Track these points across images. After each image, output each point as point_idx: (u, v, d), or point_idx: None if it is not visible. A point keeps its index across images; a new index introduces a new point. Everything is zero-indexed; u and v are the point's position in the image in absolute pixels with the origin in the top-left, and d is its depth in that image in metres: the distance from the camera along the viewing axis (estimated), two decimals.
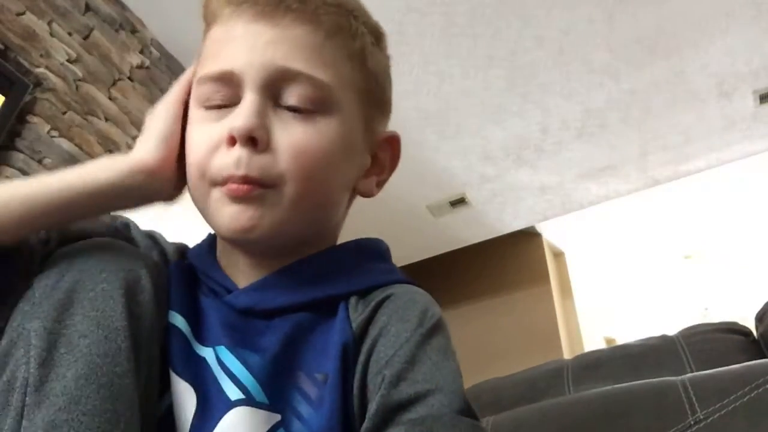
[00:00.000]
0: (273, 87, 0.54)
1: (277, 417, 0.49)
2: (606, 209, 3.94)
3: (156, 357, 0.50)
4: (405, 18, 2.52)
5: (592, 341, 4.52)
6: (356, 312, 0.54)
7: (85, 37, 2.35)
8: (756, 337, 0.95)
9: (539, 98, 2.95)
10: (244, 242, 0.56)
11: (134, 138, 2.46)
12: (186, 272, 0.59)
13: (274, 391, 0.50)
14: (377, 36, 0.63)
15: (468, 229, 3.94)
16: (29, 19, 2.12)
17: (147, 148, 0.54)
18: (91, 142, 2.27)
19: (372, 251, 0.63)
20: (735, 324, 0.99)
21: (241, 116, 0.52)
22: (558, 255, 4.53)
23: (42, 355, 0.42)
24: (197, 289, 0.59)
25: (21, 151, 2.00)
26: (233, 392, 0.49)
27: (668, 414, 0.71)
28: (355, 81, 0.59)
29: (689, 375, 0.77)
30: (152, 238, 0.64)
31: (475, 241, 4.08)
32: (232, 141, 0.53)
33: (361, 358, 0.51)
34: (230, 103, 0.55)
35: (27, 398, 0.41)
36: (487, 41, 2.66)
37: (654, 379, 0.79)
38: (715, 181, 3.81)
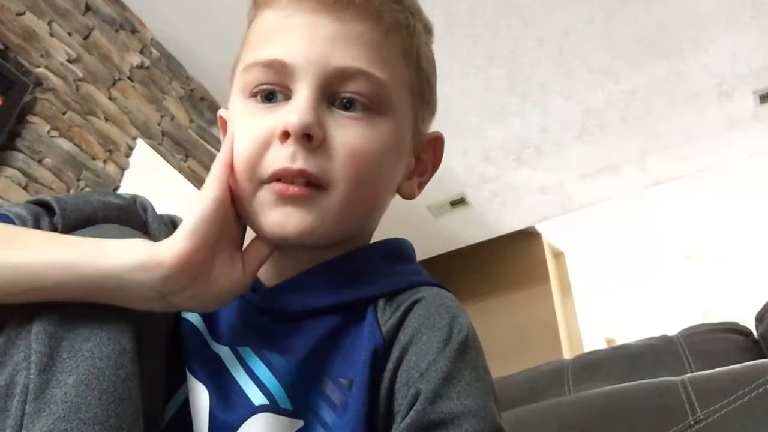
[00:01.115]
0: (329, 85, 0.52)
1: (300, 423, 0.47)
2: (606, 209, 3.94)
3: (163, 356, 0.48)
4: None
5: (592, 341, 4.51)
6: (385, 316, 0.52)
7: (85, 37, 2.35)
8: (756, 337, 0.95)
9: (539, 98, 2.95)
10: (284, 245, 0.54)
11: (134, 138, 2.46)
12: None
13: (299, 397, 0.48)
14: (429, 33, 0.62)
15: (468, 229, 3.94)
16: (29, 19, 2.12)
17: (174, 239, 0.46)
18: (91, 142, 2.27)
19: (399, 252, 0.61)
20: (735, 324, 0.99)
21: (297, 111, 0.50)
22: (558, 255, 4.53)
23: (43, 360, 0.41)
24: None
25: (21, 151, 2.00)
26: (257, 397, 0.48)
27: (668, 414, 0.71)
28: (410, 80, 0.58)
29: (689, 375, 0.77)
30: (171, 224, 0.60)
31: (475, 241, 4.08)
32: (285, 136, 0.50)
33: (390, 365, 0.49)
34: (279, 95, 0.53)
35: (27, 406, 0.39)
36: (487, 41, 2.66)
37: (654, 379, 0.79)
38: (715, 181, 3.81)
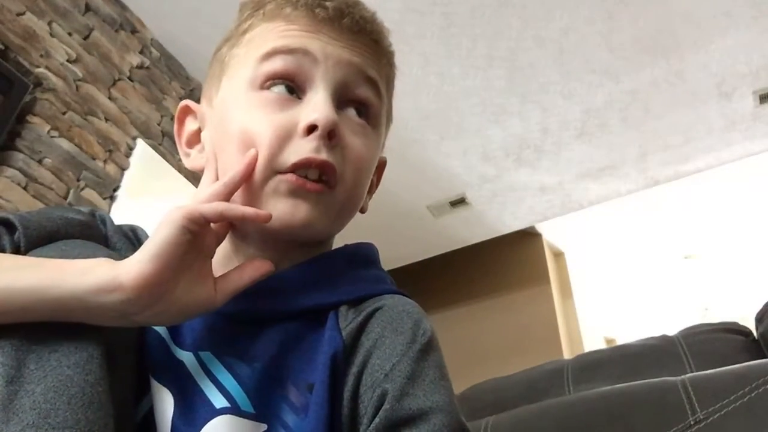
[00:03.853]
0: (344, 88, 0.56)
1: (263, 427, 0.48)
2: (606, 209, 3.94)
3: (132, 362, 0.49)
4: (405, 18, 2.52)
5: (592, 341, 4.52)
6: (346, 321, 0.52)
7: (85, 37, 2.35)
8: (756, 337, 0.95)
9: (539, 98, 2.95)
10: (283, 236, 0.55)
11: (134, 138, 2.46)
12: None
13: (262, 401, 0.48)
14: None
15: (468, 229, 3.94)
16: (29, 19, 2.12)
17: (136, 259, 0.45)
18: (91, 142, 2.27)
19: (365, 258, 0.62)
20: (735, 324, 0.99)
21: (324, 109, 0.53)
22: (558, 255, 4.53)
23: (10, 372, 0.41)
24: None
25: (21, 151, 2.00)
26: (218, 400, 0.48)
27: (668, 414, 0.71)
28: (386, 103, 0.62)
29: (689, 375, 0.77)
30: (131, 236, 0.61)
31: (475, 241, 4.08)
32: (310, 130, 0.53)
33: (354, 369, 0.49)
34: (296, 87, 0.55)
35: None
36: (487, 41, 2.66)
37: (654, 379, 0.79)
38: (715, 181, 3.81)
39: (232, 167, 0.53)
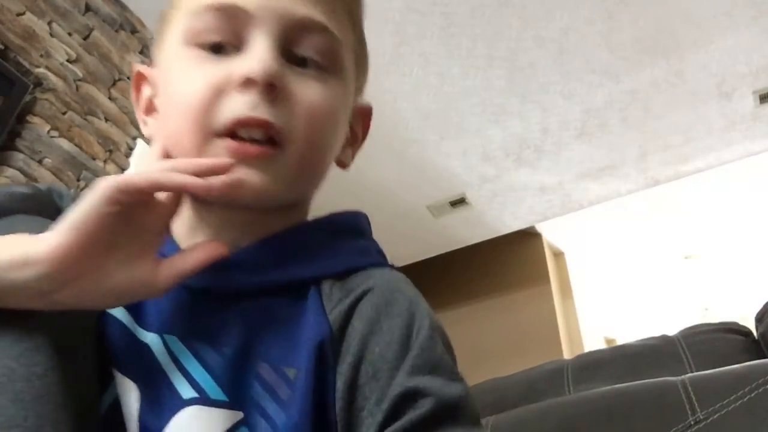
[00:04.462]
0: (288, 37, 0.49)
1: (240, 415, 0.44)
2: (606, 209, 3.94)
3: (92, 350, 0.44)
4: (405, 18, 2.52)
5: (592, 341, 4.52)
6: (331, 302, 0.48)
7: (85, 38, 2.35)
8: (756, 337, 0.95)
9: (539, 98, 2.95)
10: (238, 205, 0.50)
11: (134, 138, 2.46)
12: None
13: (235, 388, 0.45)
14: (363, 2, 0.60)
15: (468, 229, 3.94)
16: (29, 19, 2.12)
17: (53, 232, 0.40)
18: (91, 142, 2.27)
19: (348, 228, 0.56)
20: (735, 324, 0.99)
21: (260, 59, 0.47)
22: (558, 255, 4.53)
23: None
24: None
25: (21, 151, 2.00)
26: (186, 390, 0.44)
27: (668, 414, 0.71)
28: (353, 44, 0.56)
29: (689, 375, 0.77)
30: None
31: (475, 241, 4.08)
32: (246, 85, 0.47)
33: (349, 358, 0.45)
34: (230, 45, 0.49)
35: None
36: (487, 41, 2.66)
37: (654, 379, 0.79)
38: (715, 181, 3.81)
39: (176, 134, 0.49)
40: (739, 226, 4.49)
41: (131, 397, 0.44)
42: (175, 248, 0.50)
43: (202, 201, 0.51)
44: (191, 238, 0.51)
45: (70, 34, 2.28)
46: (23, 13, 2.10)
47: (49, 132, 2.11)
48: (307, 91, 0.49)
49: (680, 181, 3.61)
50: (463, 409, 0.43)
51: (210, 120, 0.47)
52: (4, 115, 1.96)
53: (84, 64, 2.31)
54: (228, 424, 0.43)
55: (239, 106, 0.47)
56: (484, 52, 2.71)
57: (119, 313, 0.47)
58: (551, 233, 4.36)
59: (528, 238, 4.31)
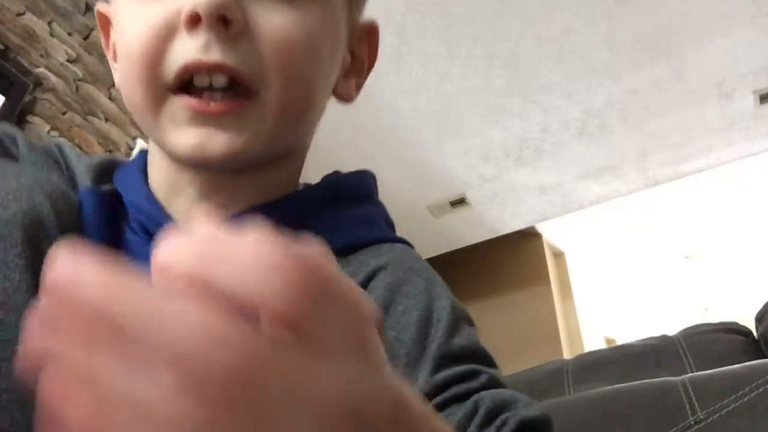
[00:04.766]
0: None
1: None
2: (606, 209, 3.93)
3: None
4: (405, 18, 2.52)
5: (592, 341, 4.51)
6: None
7: (85, 37, 2.35)
8: (756, 337, 0.95)
9: (539, 98, 2.95)
10: (206, 167, 0.43)
11: (134, 138, 2.46)
12: (106, 202, 0.44)
13: None
14: None
15: (468, 229, 3.94)
16: (29, 19, 2.12)
17: None
18: (91, 142, 2.27)
19: (352, 192, 0.50)
20: (735, 324, 0.99)
21: None
22: (558, 255, 4.53)
23: None
24: (123, 224, 0.44)
25: None
26: None
27: (668, 414, 0.71)
28: None
29: (689, 375, 0.77)
30: (50, 153, 0.47)
31: (475, 241, 4.08)
32: (193, 21, 0.38)
33: None
34: None
35: None
36: (487, 41, 2.66)
37: (654, 379, 0.79)
38: (715, 181, 3.81)
39: (127, 91, 0.42)
40: (739, 226, 4.49)
41: None
42: (156, 206, 0.44)
43: (177, 161, 0.44)
44: (172, 197, 0.45)
45: (70, 34, 2.28)
46: (23, 13, 2.10)
47: (49, 132, 2.11)
48: (274, 19, 0.40)
49: (680, 181, 3.61)
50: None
51: (158, 71, 0.39)
52: (4, 115, 1.96)
53: (84, 64, 2.30)
54: None
55: (188, 49, 0.38)
56: (484, 52, 2.71)
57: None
58: (551, 233, 4.36)
59: (528, 238, 4.30)
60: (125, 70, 0.42)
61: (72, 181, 0.46)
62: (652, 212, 4.25)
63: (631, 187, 3.62)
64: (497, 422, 0.35)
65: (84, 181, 0.46)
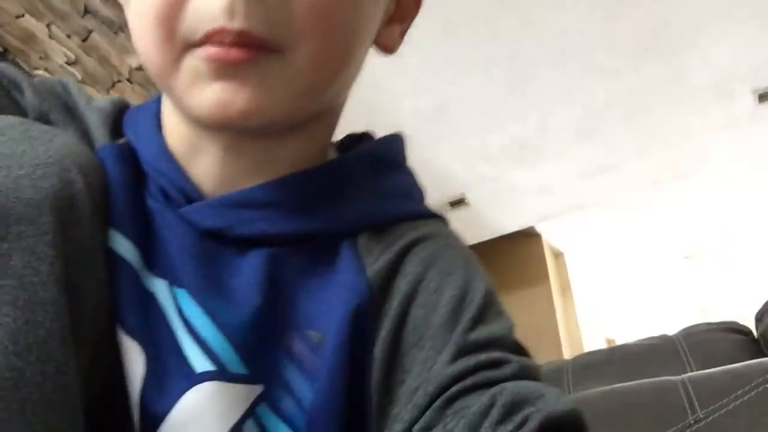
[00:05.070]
0: None
1: (259, 389, 0.36)
2: (606, 209, 3.94)
3: (103, 310, 0.34)
4: None
5: (592, 341, 4.52)
6: (370, 256, 0.40)
7: (84, 39, 2.35)
8: (756, 337, 0.95)
9: (539, 98, 2.95)
10: (229, 128, 0.39)
11: None
12: (126, 161, 0.39)
13: (255, 357, 0.36)
14: None
15: (468, 229, 3.94)
16: (28, 21, 2.12)
17: None
18: None
19: (388, 161, 0.46)
20: (735, 324, 0.99)
21: None
22: (558, 255, 4.53)
23: None
24: (141, 187, 0.40)
25: None
26: (199, 361, 0.35)
27: (668, 414, 0.71)
28: None
29: (689, 375, 0.77)
30: (57, 95, 0.43)
31: (475, 242, 4.08)
32: None
33: (388, 323, 0.37)
34: None
35: None
36: (487, 41, 2.66)
37: (654, 379, 0.79)
38: (715, 180, 3.81)
39: (142, 48, 0.38)
40: (739, 226, 4.49)
41: (136, 366, 0.34)
42: (175, 166, 0.40)
43: (197, 123, 0.40)
44: (193, 158, 0.41)
45: (69, 36, 2.28)
46: (22, 15, 2.10)
47: None
48: None
49: (680, 181, 3.61)
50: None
51: (178, 32, 0.35)
52: None
53: (83, 66, 2.31)
54: (247, 403, 0.35)
55: (208, 11, 0.34)
56: (484, 52, 2.71)
57: (129, 252, 0.36)
58: (551, 233, 4.36)
59: (528, 238, 4.30)
60: (139, 26, 0.38)
61: (86, 135, 0.41)
62: (652, 212, 4.25)
63: (630, 187, 3.62)
64: (518, 418, 0.32)
65: (99, 134, 0.41)
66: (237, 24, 0.34)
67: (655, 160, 3.38)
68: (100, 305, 0.34)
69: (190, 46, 0.35)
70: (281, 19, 0.35)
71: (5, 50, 2.04)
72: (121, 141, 0.42)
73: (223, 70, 0.35)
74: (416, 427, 0.34)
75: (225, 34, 0.34)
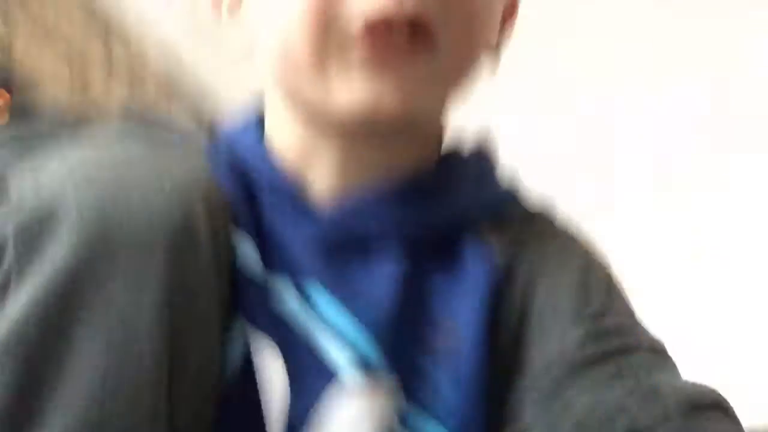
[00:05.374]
0: None
1: (395, 383, 0.33)
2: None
3: (210, 370, 0.31)
4: None
5: None
6: (492, 245, 0.38)
7: None
8: None
9: (539, 98, 2.95)
10: (367, 129, 0.36)
11: None
12: (236, 167, 0.38)
13: (395, 352, 0.34)
14: None
15: None
16: None
17: None
18: None
19: (490, 156, 0.44)
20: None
21: None
22: None
23: (15, 390, 0.25)
24: (254, 192, 0.38)
25: None
26: (339, 355, 0.33)
27: None
28: None
29: None
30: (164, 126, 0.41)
31: None
32: None
33: (511, 307, 0.36)
34: None
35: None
36: None
37: None
38: (714, 181, 3.80)
39: (280, 47, 0.35)
40: (739, 226, 4.47)
41: (272, 364, 0.32)
42: (280, 176, 0.38)
43: (319, 123, 0.37)
44: (305, 166, 0.38)
45: None
46: None
47: None
48: None
49: (682, 181, 3.60)
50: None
51: (334, 27, 0.32)
52: None
53: None
54: (395, 406, 0.33)
55: (375, 1, 0.31)
56: None
57: (252, 253, 0.35)
58: None
59: None
60: (280, 19, 0.34)
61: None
62: (654, 212, 4.24)
63: (630, 186, 3.61)
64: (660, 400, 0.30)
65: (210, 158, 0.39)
66: (408, 8, 0.31)
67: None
68: (207, 364, 0.31)
69: (347, 37, 0.32)
70: (439, 15, 0.32)
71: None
72: (226, 145, 0.40)
73: (379, 67, 0.32)
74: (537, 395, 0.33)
75: (393, 24, 0.31)
